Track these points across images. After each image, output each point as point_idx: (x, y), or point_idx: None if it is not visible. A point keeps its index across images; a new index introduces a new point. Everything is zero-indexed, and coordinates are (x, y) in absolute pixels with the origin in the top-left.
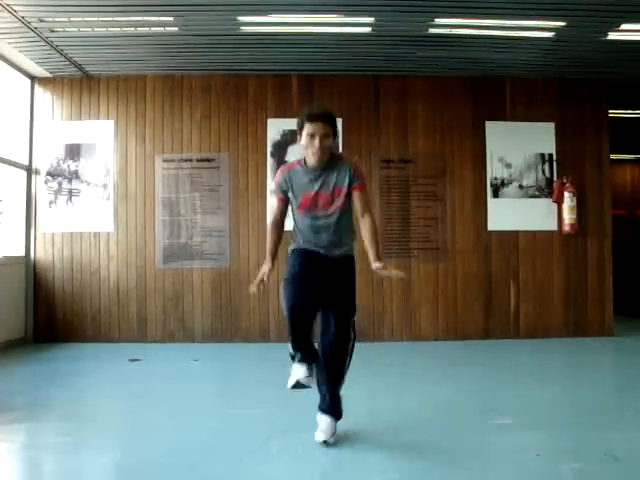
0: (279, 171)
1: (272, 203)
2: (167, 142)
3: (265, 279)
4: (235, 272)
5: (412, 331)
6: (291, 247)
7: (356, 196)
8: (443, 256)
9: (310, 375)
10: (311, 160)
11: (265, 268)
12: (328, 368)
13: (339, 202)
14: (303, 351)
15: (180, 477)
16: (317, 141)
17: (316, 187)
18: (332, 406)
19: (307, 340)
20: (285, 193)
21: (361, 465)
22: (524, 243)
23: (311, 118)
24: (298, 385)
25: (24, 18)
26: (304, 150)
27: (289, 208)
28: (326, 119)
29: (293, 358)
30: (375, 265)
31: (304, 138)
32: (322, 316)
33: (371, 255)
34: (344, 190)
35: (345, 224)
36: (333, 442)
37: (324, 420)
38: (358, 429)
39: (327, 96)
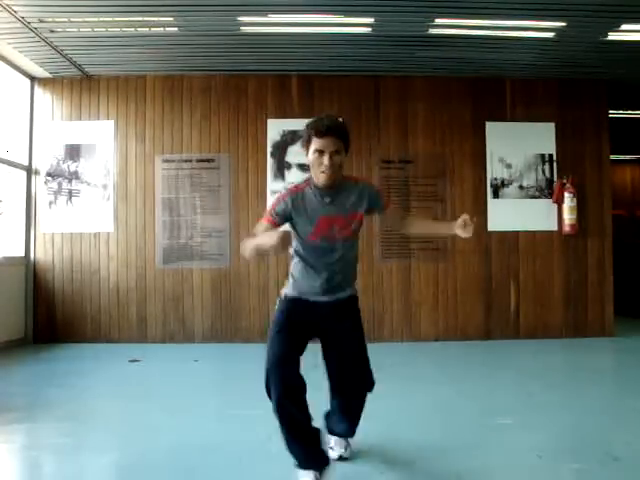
0: (280, 196)
1: (259, 225)
2: (167, 142)
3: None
4: (235, 272)
5: (412, 331)
6: (286, 290)
7: (387, 213)
8: (443, 256)
9: None
10: (320, 180)
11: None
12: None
13: (354, 227)
14: (306, 451)
15: (180, 477)
16: (326, 159)
17: (332, 210)
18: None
19: (309, 434)
20: (281, 220)
21: (361, 465)
22: (524, 243)
23: (320, 133)
24: None
25: (24, 18)
26: (311, 169)
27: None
28: (337, 133)
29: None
30: (461, 220)
31: (311, 155)
32: (329, 378)
33: (445, 225)
34: (359, 215)
35: (355, 256)
36: (350, 455)
37: (334, 438)
38: (358, 429)
39: (327, 96)
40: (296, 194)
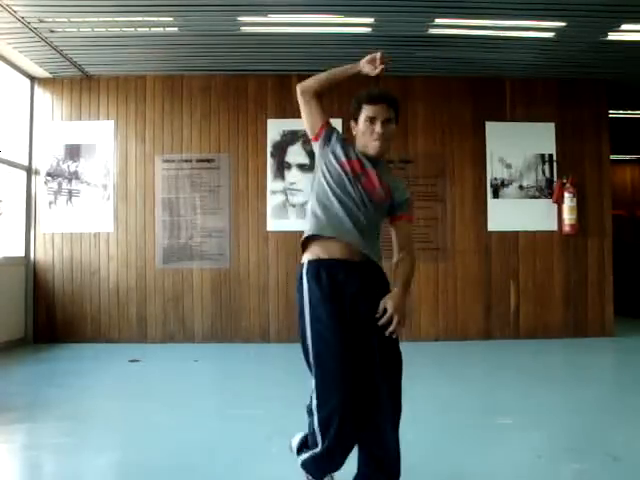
0: (333, 129)
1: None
2: (167, 142)
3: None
4: (235, 272)
5: (412, 331)
6: (305, 258)
7: (404, 225)
8: (443, 256)
9: None
10: (369, 149)
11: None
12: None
13: (382, 198)
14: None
15: (180, 477)
16: (379, 126)
17: (368, 166)
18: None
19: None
20: (329, 134)
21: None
22: (524, 243)
23: (372, 99)
24: None
25: (24, 18)
26: (360, 139)
27: (313, 177)
28: (389, 101)
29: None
30: (384, 305)
31: (361, 123)
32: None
33: (395, 292)
34: (391, 191)
35: (376, 231)
36: None
37: None
38: None
39: (327, 96)
40: (344, 138)
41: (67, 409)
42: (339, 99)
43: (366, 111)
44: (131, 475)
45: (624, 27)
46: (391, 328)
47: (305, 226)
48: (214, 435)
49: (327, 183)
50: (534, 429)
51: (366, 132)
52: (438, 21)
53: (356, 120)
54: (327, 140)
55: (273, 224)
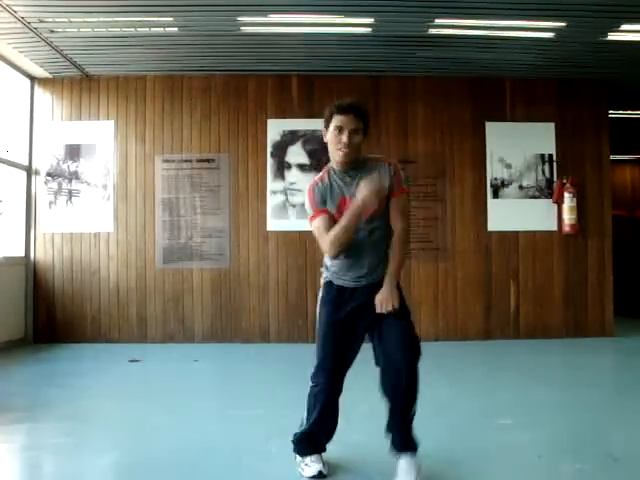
0: (309, 189)
1: (317, 226)
2: (167, 143)
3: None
4: (235, 272)
5: None
6: (324, 278)
7: (393, 202)
8: (443, 256)
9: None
10: (337, 157)
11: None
12: (397, 410)
13: (380, 208)
14: (318, 440)
15: (180, 477)
16: (345, 136)
17: (352, 189)
18: (408, 440)
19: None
20: (325, 204)
21: (361, 465)
22: (524, 243)
23: (340, 110)
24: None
25: (24, 19)
26: (329, 147)
27: None
28: (357, 112)
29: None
30: (376, 301)
31: (330, 132)
32: (379, 350)
33: (385, 285)
34: (386, 192)
35: (386, 235)
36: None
37: (404, 460)
38: (357, 429)
39: (327, 96)
40: (318, 183)
41: (67, 409)
42: (338, 98)
43: (335, 121)
44: (131, 475)
45: (624, 27)
46: (385, 311)
47: None
48: (214, 435)
49: None
50: (534, 429)
51: (333, 141)
52: (438, 21)
53: (327, 127)
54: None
55: (273, 224)
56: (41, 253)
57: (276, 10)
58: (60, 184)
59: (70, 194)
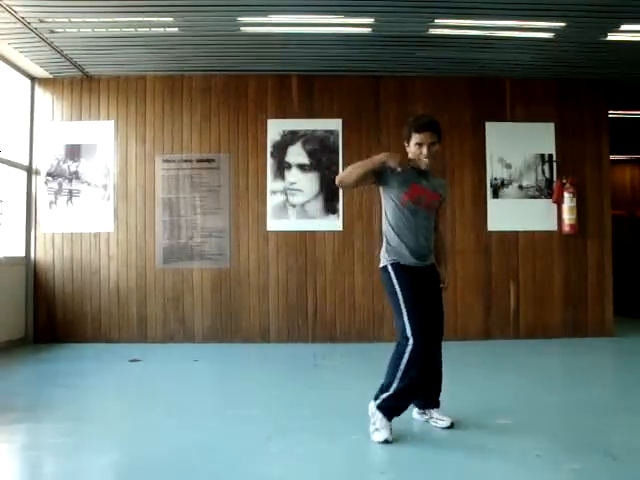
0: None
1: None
2: (167, 143)
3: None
4: (235, 272)
5: None
6: (387, 259)
7: (441, 212)
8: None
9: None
10: (421, 164)
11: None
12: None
13: (435, 207)
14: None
15: (180, 477)
16: (425, 149)
17: (424, 183)
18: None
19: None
20: (382, 174)
21: (361, 465)
22: (524, 243)
23: (419, 128)
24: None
25: (24, 19)
26: (411, 157)
27: (383, 205)
28: (433, 129)
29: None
30: (444, 280)
31: (412, 146)
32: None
33: (444, 270)
34: (440, 197)
35: (433, 231)
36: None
37: (436, 411)
38: (357, 429)
39: (327, 96)
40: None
41: (67, 409)
42: (339, 98)
43: (415, 138)
44: (131, 475)
45: (624, 27)
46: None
47: None
48: (214, 435)
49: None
50: (534, 429)
51: (416, 153)
52: (438, 21)
53: (408, 142)
54: (384, 175)
55: (273, 224)
56: (41, 253)
57: (276, 10)
58: (60, 184)
59: (70, 194)
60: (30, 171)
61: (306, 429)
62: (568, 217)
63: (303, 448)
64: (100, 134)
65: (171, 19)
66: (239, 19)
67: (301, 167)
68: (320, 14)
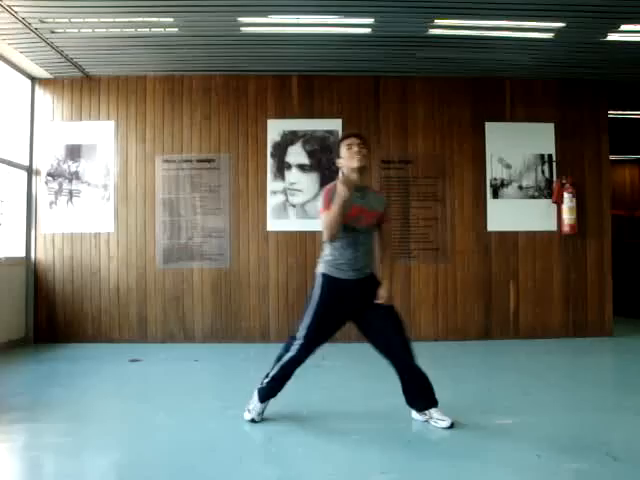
0: (326, 190)
1: (328, 216)
2: (167, 143)
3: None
4: (235, 272)
5: (412, 331)
6: (322, 269)
7: (385, 229)
8: (443, 256)
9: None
10: (354, 163)
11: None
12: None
13: (374, 223)
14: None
15: (180, 477)
16: (355, 147)
17: (360, 202)
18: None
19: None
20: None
21: (361, 465)
22: (524, 243)
23: (345, 137)
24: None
25: (25, 19)
26: (345, 164)
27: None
28: (357, 136)
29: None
30: (382, 296)
31: (344, 151)
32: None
33: (385, 286)
34: (378, 215)
35: (373, 247)
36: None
37: (436, 411)
38: (357, 429)
39: (327, 96)
40: (334, 187)
41: (68, 409)
42: (339, 98)
43: (344, 145)
44: (131, 475)
45: (623, 27)
46: (385, 302)
47: None
48: (214, 435)
49: None
50: (533, 429)
51: (347, 156)
52: (438, 21)
53: (340, 156)
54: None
55: (273, 224)
56: (42, 253)
57: (276, 10)
58: (61, 184)
59: (71, 194)
60: (30, 171)
61: (306, 429)
62: (568, 217)
63: (303, 448)
64: (100, 134)
65: (171, 19)
66: (239, 19)
67: (301, 167)
68: (320, 14)
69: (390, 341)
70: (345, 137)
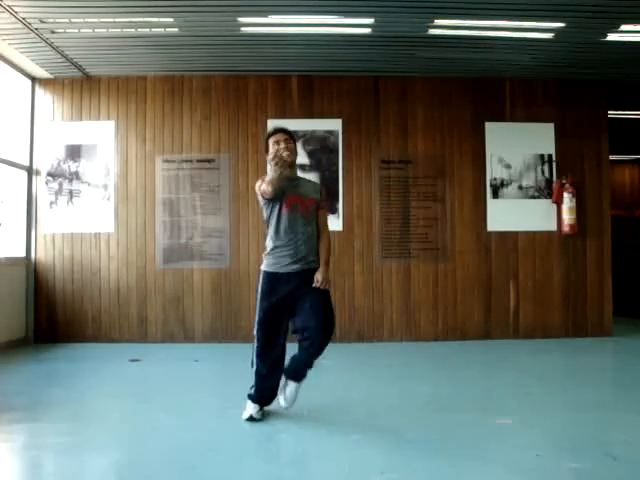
0: (260, 180)
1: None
2: (167, 143)
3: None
4: (235, 272)
5: (412, 331)
6: (263, 267)
7: (321, 215)
8: (443, 256)
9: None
10: (282, 160)
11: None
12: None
13: (313, 211)
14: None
15: (180, 477)
16: (282, 143)
17: (297, 190)
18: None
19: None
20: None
21: (361, 465)
22: (524, 243)
23: (271, 133)
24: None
25: (25, 19)
26: (271, 161)
27: (265, 215)
28: (283, 130)
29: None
30: (316, 279)
31: (271, 148)
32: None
33: (321, 270)
34: (315, 202)
35: (315, 234)
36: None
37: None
38: (358, 429)
39: (327, 96)
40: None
41: (68, 409)
42: (339, 98)
43: (271, 141)
44: (131, 475)
45: (623, 27)
46: (322, 287)
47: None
48: (214, 435)
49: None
50: (533, 429)
51: (274, 152)
52: (438, 21)
53: (267, 151)
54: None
55: None
56: (42, 253)
57: (276, 10)
58: (61, 184)
59: (71, 194)
60: (30, 171)
61: (306, 429)
62: (568, 217)
63: (303, 448)
64: (100, 134)
65: (171, 19)
66: (239, 19)
67: (301, 167)
68: (320, 14)
69: (308, 321)
70: (270, 134)
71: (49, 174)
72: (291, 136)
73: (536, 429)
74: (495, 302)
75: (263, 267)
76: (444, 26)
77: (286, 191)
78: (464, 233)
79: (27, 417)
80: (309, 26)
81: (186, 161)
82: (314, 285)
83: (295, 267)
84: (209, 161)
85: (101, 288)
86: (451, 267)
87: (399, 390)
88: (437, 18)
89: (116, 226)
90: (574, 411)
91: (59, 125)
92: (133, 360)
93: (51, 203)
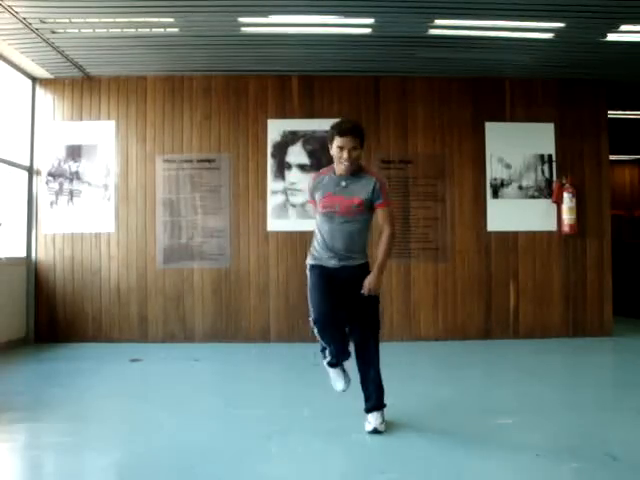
0: (311, 179)
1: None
2: (168, 143)
3: None
4: (235, 272)
5: (412, 331)
6: (308, 260)
7: (379, 213)
8: (443, 256)
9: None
10: (339, 169)
11: None
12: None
13: (357, 210)
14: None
15: (180, 477)
16: (345, 153)
17: (338, 190)
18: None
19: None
20: (312, 197)
21: (361, 465)
22: (524, 243)
23: (341, 132)
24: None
25: (25, 19)
26: (334, 160)
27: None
28: (355, 133)
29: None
30: (364, 285)
31: (334, 149)
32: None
33: (372, 274)
34: (363, 201)
35: (361, 234)
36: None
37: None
38: (357, 429)
39: (327, 96)
40: (318, 177)
41: (68, 409)
42: (339, 98)
43: (337, 142)
44: (132, 475)
45: (623, 28)
46: (366, 292)
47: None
48: (214, 435)
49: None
50: (533, 429)
51: (337, 156)
52: (438, 22)
53: (331, 144)
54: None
55: (273, 224)
56: (42, 253)
57: (276, 11)
58: (61, 184)
59: (71, 194)
60: (31, 171)
61: (306, 429)
62: (568, 217)
63: (303, 448)
64: (101, 134)
65: (172, 19)
66: (239, 19)
67: (301, 167)
68: (320, 14)
69: (352, 333)
70: (340, 132)
71: (49, 174)
72: (361, 140)
73: (536, 429)
74: (495, 302)
75: (308, 261)
76: (444, 26)
77: (327, 191)
78: (464, 233)
79: (27, 417)
80: (309, 26)
81: (186, 161)
82: (362, 292)
83: (333, 262)
84: (209, 161)
85: (101, 288)
86: (451, 267)
87: (399, 390)
88: (437, 18)
89: (116, 226)
90: (574, 411)
91: (59, 125)
92: (133, 360)
93: (51, 203)
